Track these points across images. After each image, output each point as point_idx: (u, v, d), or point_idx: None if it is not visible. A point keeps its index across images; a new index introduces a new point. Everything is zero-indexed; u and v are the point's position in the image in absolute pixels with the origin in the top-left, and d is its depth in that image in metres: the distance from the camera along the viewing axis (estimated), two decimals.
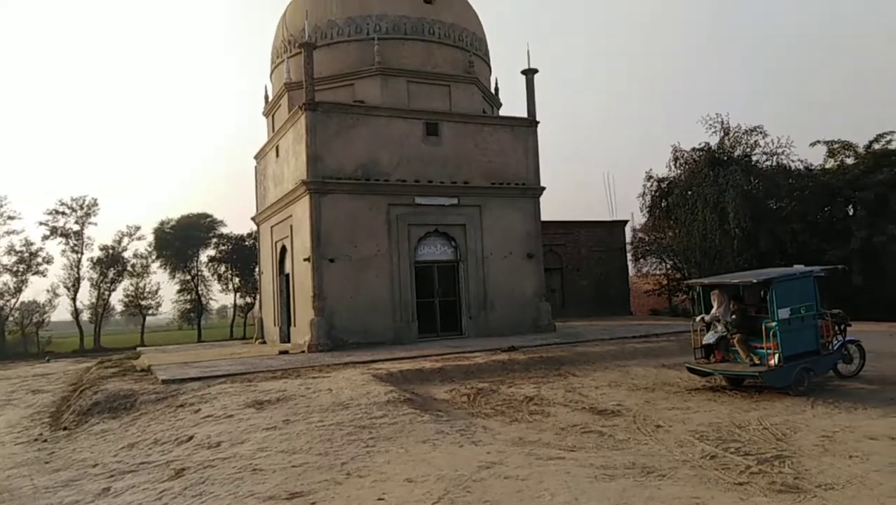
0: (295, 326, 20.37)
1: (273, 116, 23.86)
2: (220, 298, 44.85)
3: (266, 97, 24.98)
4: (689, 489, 6.03)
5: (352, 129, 19.11)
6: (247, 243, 39.06)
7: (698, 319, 11.94)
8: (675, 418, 9.23)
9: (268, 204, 23.15)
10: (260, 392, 11.23)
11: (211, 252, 40.00)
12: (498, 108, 25.01)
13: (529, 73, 22.06)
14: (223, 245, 39.85)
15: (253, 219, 25.76)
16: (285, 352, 18.08)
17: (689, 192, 27.58)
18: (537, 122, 21.86)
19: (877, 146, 26.88)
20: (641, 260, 34.96)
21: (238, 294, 40.56)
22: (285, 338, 21.42)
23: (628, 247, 33.99)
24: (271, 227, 22.90)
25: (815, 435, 7.93)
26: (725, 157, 27.50)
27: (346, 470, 6.98)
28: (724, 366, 11.24)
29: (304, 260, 18.65)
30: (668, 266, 34.64)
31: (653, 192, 29.70)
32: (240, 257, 39.33)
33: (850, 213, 26.71)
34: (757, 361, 10.80)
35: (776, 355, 10.42)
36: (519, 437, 8.45)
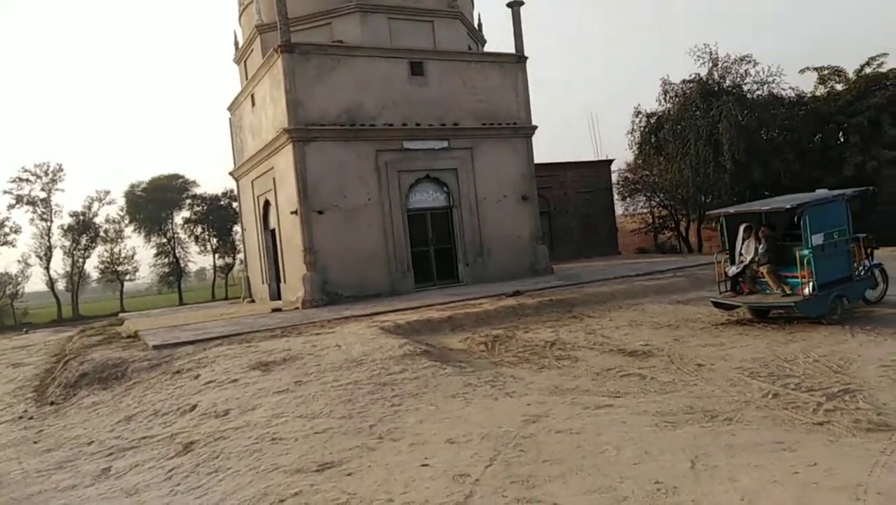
0: (285, 282, 19.48)
1: (245, 63, 22.37)
2: (199, 259, 43.61)
3: (236, 43, 23.41)
4: (766, 433, 5.42)
5: (332, 72, 17.85)
6: (222, 203, 37.78)
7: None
8: (713, 355, 8.67)
9: (246, 157, 21.88)
10: (262, 353, 10.43)
11: (186, 214, 38.74)
12: (482, 45, 23.77)
13: (515, 6, 20.75)
14: (198, 206, 38.56)
15: (231, 174, 24.45)
16: (278, 309, 17.25)
17: (680, 126, 26.80)
18: (526, 58, 20.73)
19: (868, 70, 26.26)
20: (628, 199, 34.49)
21: (216, 255, 39.44)
22: (275, 295, 20.54)
23: (615, 187, 33.38)
24: (252, 182, 21.70)
25: (874, 365, 7.40)
26: (716, 88, 26.69)
27: (376, 433, 6.28)
28: (755, 298, 10.68)
29: (292, 213, 17.65)
30: (654, 204, 34.19)
31: (642, 128, 28.82)
32: (216, 217, 38.13)
33: (842, 140, 26.23)
34: (789, 291, 10.26)
35: (810, 284, 9.86)
36: (554, 385, 7.82)
